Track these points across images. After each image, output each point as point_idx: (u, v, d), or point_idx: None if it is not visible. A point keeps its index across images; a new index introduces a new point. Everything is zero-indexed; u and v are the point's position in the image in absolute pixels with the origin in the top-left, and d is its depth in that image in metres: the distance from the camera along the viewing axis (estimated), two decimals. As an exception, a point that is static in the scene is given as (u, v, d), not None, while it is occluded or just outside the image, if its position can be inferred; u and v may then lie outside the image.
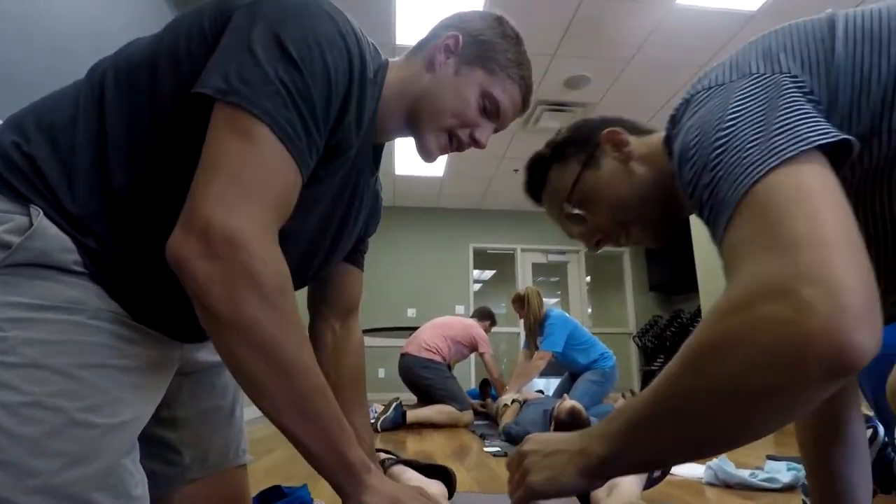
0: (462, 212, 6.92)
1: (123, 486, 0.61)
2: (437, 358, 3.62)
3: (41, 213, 0.61)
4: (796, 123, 0.49)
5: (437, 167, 5.82)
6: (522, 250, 7.16)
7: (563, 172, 0.87)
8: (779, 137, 0.48)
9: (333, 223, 0.83)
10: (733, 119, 0.53)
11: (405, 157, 5.50)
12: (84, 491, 0.57)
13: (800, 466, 1.55)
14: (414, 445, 2.57)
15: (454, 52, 0.81)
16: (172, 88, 0.66)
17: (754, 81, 0.55)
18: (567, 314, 3.83)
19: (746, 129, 0.51)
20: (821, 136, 0.47)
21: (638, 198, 0.80)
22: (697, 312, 5.88)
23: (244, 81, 0.60)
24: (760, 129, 0.50)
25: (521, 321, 3.97)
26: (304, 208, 0.68)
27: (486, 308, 4.18)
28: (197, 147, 0.62)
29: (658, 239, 0.84)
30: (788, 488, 1.48)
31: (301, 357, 0.62)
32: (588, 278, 7.46)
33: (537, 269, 7.26)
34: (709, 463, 1.64)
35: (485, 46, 0.81)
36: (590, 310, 7.56)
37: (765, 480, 1.53)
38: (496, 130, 0.87)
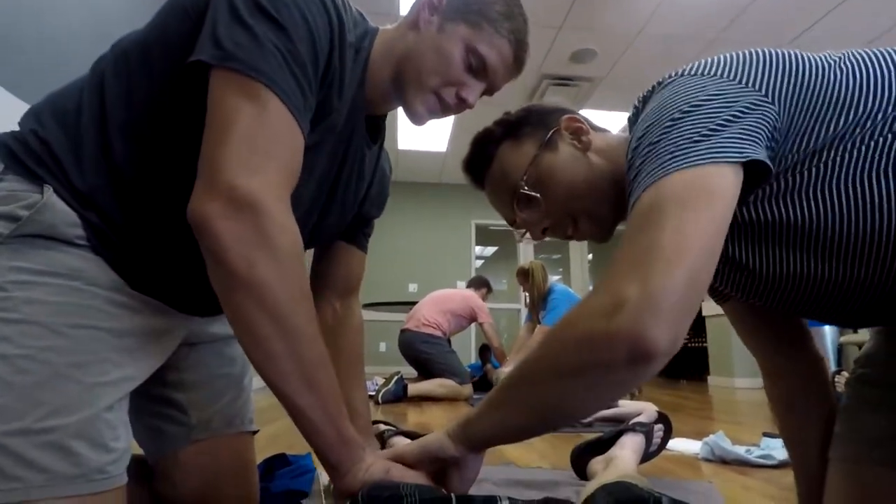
0: (465, 187, 6.71)
1: (101, 438, 0.63)
2: (437, 333, 3.65)
3: (51, 189, 0.66)
4: (730, 136, 0.56)
5: (441, 142, 5.77)
6: (525, 227, 7.14)
7: (518, 151, 0.83)
8: (707, 143, 0.56)
9: (322, 196, 0.84)
10: (690, 110, 0.59)
11: (408, 132, 5.45)
12: (61, 438, 0.60)
13: (796, 443, 1.56)
14: (414, 418, 2.60)
15: (437, 9, 0.79)
16: (164, 65, 0.68)
17: (728, 85, 0.60)
18: (570, 289, 3.83)
19: (693, 124, 0.57)
20: (737, 155, 0.55)
21: (593, 189, 0.79)
22: (698, 291, 5.88)
23: (238, 46, 0.61)
24: (702, 129, 0.57)
25: (523, 296, 3.98)
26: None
27: (481, 276, 4.20)
28: (190, 119, 0.65)
29: (603, 235, 0.84)
30: (784, 464, 1.50)
31: (309, 326, 0.63)
32: (590, 256, 7.46)
33: (539, 245, 7.25)
34: (705, 439, 1.65)
35: (470, 1, 0.78)
36: (591, 287, 7.57)
37: (760, 457, 1.54)
38: (489, 92, 0.84)
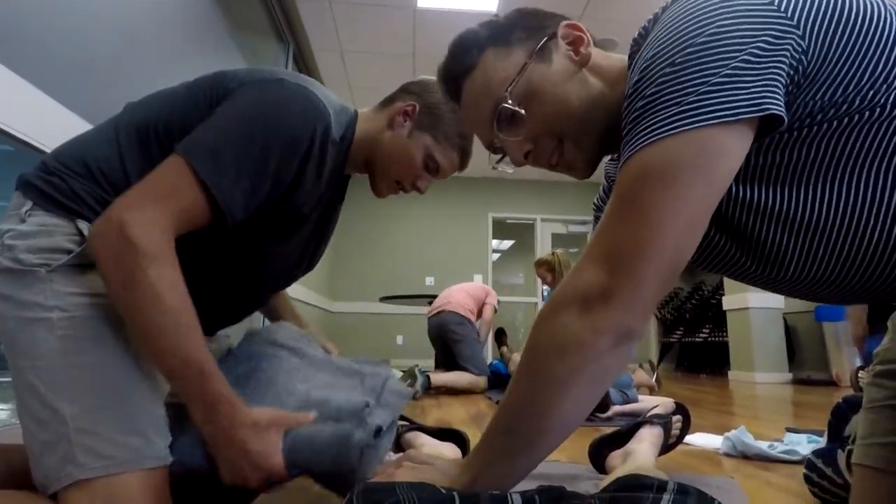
0: (482, 181, 6.83)
1: (165, 429, 0.79)
2: (471, 317, 3.72)
3: (87, 224, 0.79)
4: (746, 85, 0.50)
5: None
6: (542, 220, 7.10)
7: (506, 59, 0.73)
8: (718, 96, 0.50)
9: (310, 248, 1.08)
10: (701, 46, 0.51)
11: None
12: (145, 429, 0.77)
13: (819, 439, 1.53)
14: (433, 412, 2.61)
15: (411, 117, 1.01)
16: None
17: (751, 9, 0.52)
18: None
19: (703, 68, 0.51)
20: (753, 109, 0.49)
21: (584, 111, 0.71)
22: (719, 286, 5.81)
23: (200, 144, 0.78)
24: (713, 76, 0.50)
25: (541, 290, 3.96)
26: (283, 243, 0.95)
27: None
28: None
29: (588, 166, 0.75)
30: (807, 460, 1.47)
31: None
32: (608, 249, 7.38)
33: (557, 239, 7.21)
34: (727, 434, 1.63)
35: (435, 119, 1.01)
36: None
37: (784, 452, 1.51)
38: (438, 179, 1.10)
